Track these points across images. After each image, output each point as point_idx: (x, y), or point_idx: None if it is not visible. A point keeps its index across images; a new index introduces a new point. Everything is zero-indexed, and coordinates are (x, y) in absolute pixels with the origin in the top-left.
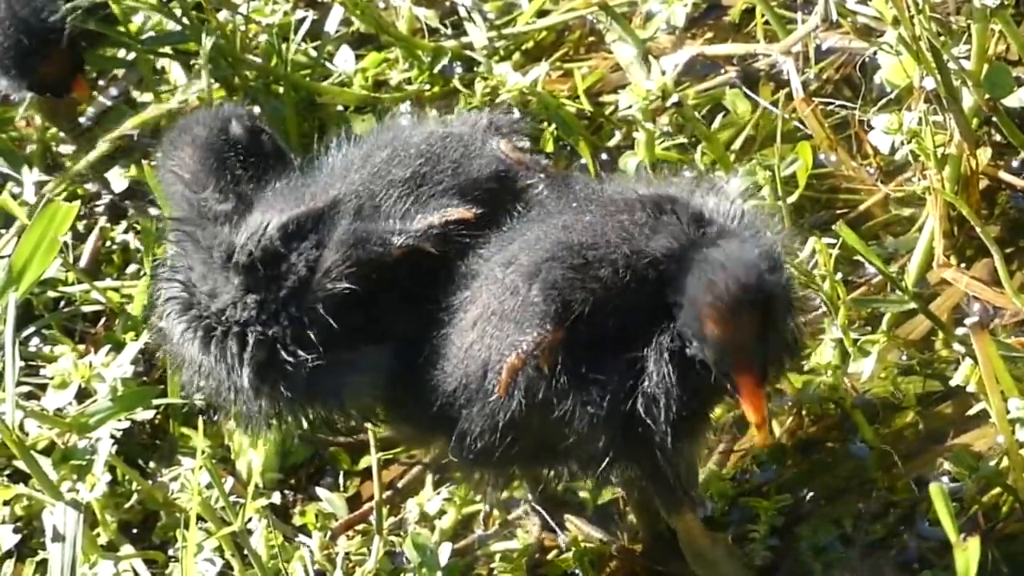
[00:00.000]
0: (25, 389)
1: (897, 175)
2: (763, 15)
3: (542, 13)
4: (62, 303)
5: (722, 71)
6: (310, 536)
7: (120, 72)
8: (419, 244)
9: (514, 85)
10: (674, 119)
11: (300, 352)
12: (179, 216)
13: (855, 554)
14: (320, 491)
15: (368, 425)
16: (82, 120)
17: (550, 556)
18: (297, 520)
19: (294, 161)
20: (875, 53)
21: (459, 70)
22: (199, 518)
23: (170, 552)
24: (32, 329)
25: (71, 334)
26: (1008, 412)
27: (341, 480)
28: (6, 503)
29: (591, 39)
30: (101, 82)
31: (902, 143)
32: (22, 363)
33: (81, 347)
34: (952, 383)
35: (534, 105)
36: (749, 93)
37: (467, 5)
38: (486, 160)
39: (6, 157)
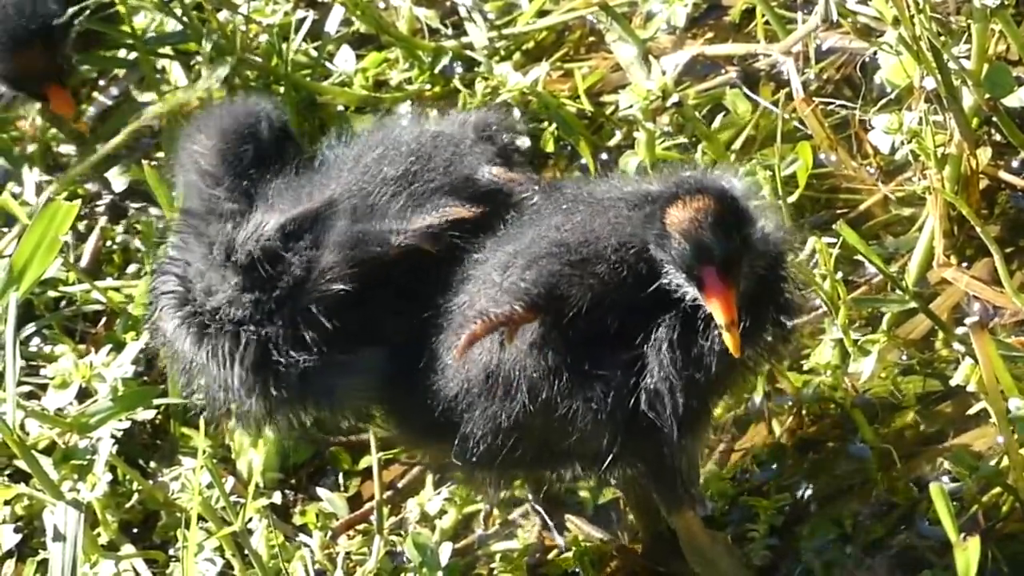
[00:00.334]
0: (26, 389)
1: (897, 175)
2: (763, 15)
3: (542, 13)
4: (63, 303)
5: (722, 71)
6: (311, 536)
7: (121, 72)
8: (418, 244)
9: (515, 85)
10: (674, 119)
11: (293, 353)
12: (187, 208)
13: (855, 554)
14: (321, 491)
15: (369, 425)
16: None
17: (550, 556)
18: (298, 520)
19: (298, 161)
20: (875, 53)
21: (459, 70)
22: (200, 518)
23: (171, 552)
24: (33, 329)
25: (72, 334)
26: (1008, 412)
27: (341, 480)
28: (7, 503)
29: (591, 39)
30: (101, 82)
31: (902, 143)
32: (23, 363)
33: (82, 347)
34: (952, 383)
35: (535, 105)
36: (749, 93)
37: (467, 5)
38: (477, 159)
39: (7, 157)
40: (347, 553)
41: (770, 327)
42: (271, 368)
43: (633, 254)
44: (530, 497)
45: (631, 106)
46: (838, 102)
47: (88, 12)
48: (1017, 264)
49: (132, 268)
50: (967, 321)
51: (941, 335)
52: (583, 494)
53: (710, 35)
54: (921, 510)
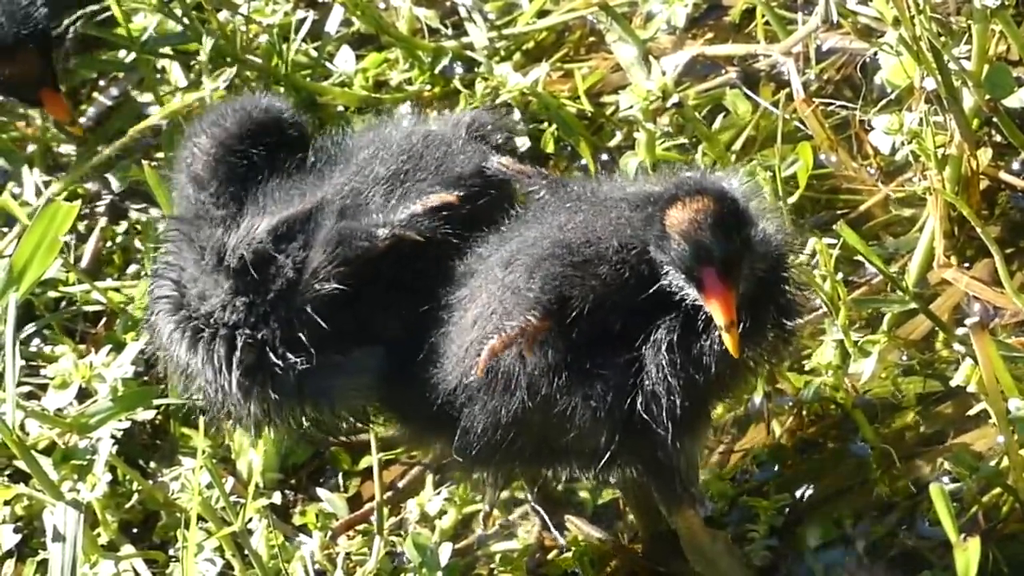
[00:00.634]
0: (26, 389)
1: (898, 175)
2: (763, 15)
3: (543, 13)
4: (63, 303)
5: (723, 71)
6: (311, 536)
7: (121, 73)
8: (404, 233)
9: (515, 86)
10: (675, 119)
11: (289, 355)
12: (178, 216)
13: (855, 554)
14: (321, 491)
15: (369, 425)
16: (82, 120)
17: (550, 556)
18: (297, 520)
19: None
20: (876, 54)
21: (460, 70)
22: (199, 518)
23: (171, 552)
24: (33, 329)
25: (72, 334)
26: (1008, 412)
27: (341, 480)
28: (7, 503)
29: (592, 39)
30: (102, 83)
31: (903, 143)
32: (23, 363)
33: (82, 347)
34: (952, 383)
35: (535, 105)
36: (750, 93)
37: (468, 5)
38: (468, 157)
39: (7, 157)
40: (347, 553)
41: (770, 328)
42: (267, 371)
43: (635, 255)
44: (530, 497)
45: (631, 107)
46: (838, 103)
47: (87, 18)
48: (1017, 265)
49: (132, 268)
50: (967, 322)
51: (941, 336)
52: (583, 494)
53: (710, 35)
54: (921, 510)
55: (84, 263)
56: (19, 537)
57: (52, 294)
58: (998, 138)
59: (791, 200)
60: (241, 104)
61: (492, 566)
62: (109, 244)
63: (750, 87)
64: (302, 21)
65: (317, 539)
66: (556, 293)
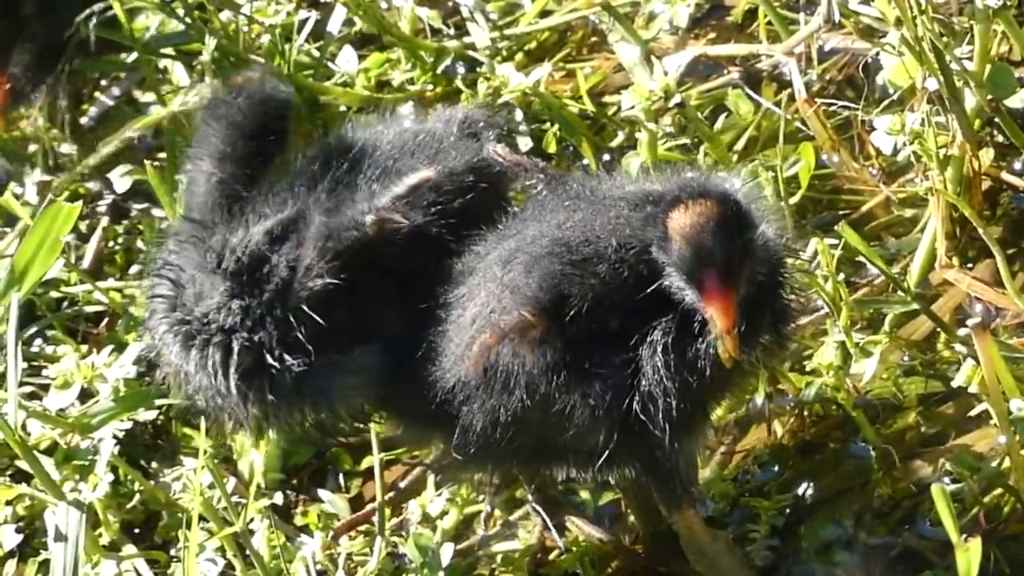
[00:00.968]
0: (28, 389)
1: (899, 176)
2: (766, 16)
3: (545, 13)
4: (65, 303)
5: (725, 72)
6: (312, 536)
7: (123, 73)
8: (388, 215)
9: (517, 86)
10: (677, 120)
11: (286, 356)
12: (187, 215)
13: (856, 554)
14: (322, 492)
15: (370, 425)
16: (84, 120)
17: (551, 556)
18: (299, 520)
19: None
20: (878, 54)
21: (462, 70)
22: (201, 518)
23: (172, 552)
24: (35, 329)
25: (74, 334)
26: (1010, 413)
27: (343, 481)
28: (8, 503)
29: (594, 39)
30: (103, 82)
31: (904, 144)
32: (25, 363)
33: (84, 347)
34: (954, 384)
35: (537, 106)
36: (752, 94)
37: (470, 5)
38: (460, 153)
39: (8, 157)
40: (348, 554)
41: (766, 332)
42: (265, 373)
43: (633, 254)
44: (531, 498)
45: (633, 107)
46: (840, 103)
47: (94, 17)
48: (1019, 265)
49: (134, 269)
50: (969, 322)
51: (943, 336)
52: (583, 495)
53: (712, 36)
54: (923, 511)
55: (86, 263)
56: (21, 537)
57: (54, 294)
58: (1000, 139)
59: (793, 200)
60: (253, 90)
61: (493, 566)
62: (111, 244)
63: (752, 87)
64: (304, 21)
65: (319, 539)
66: (554, 291)
